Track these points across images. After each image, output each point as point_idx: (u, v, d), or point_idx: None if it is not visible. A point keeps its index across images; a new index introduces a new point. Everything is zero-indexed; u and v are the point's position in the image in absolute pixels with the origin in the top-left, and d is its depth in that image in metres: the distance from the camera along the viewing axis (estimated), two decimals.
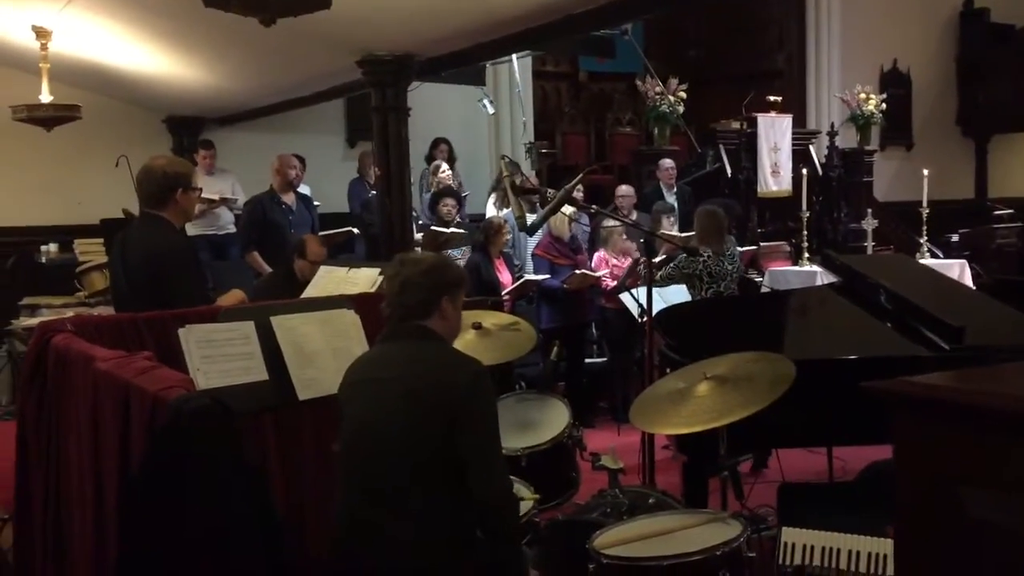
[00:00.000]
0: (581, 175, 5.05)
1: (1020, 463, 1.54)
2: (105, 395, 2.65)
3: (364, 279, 4.59)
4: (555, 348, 4.35)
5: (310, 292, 4.74)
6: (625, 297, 6.73)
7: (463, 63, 7.31)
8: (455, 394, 2.67)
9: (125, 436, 2.50)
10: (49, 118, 6.95)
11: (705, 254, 5.67)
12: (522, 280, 6.96)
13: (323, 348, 3.49)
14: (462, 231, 7.50)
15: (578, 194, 6.12)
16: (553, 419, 3.97)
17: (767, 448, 5.08)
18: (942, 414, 1.58)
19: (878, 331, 4.27)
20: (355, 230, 8.14)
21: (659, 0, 5.43)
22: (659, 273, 5.92)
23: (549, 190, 4.71)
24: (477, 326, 3.92)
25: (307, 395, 3.36)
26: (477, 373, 2.73)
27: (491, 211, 8.29)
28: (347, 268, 4.83)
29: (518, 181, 7.38)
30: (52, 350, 3.21)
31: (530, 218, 7.62)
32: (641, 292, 5.71)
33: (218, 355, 3.26)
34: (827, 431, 4.02)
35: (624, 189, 8.33)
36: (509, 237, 7.33)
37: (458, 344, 3.65)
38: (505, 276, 7.08)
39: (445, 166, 8.66)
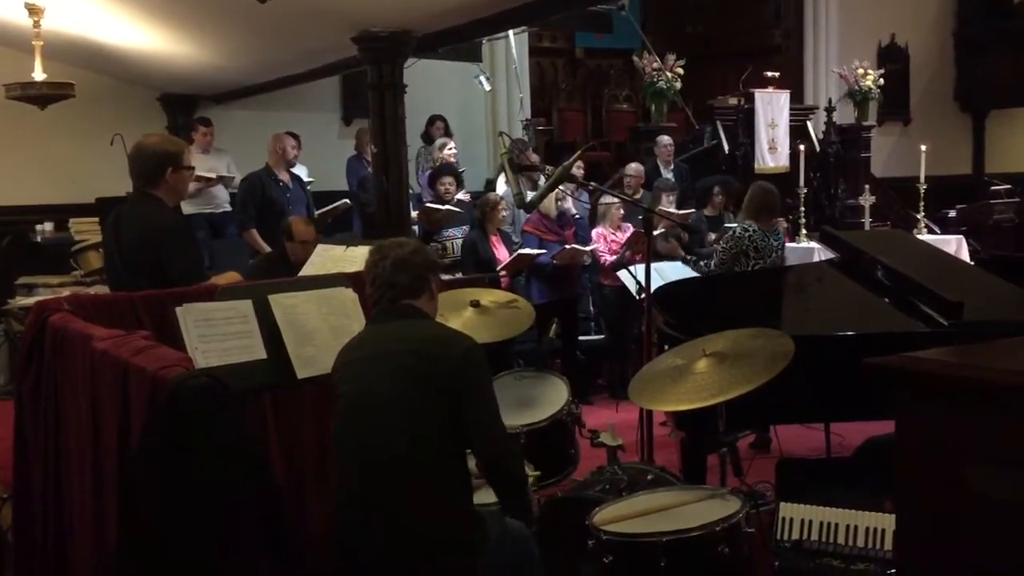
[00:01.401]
0: (579, 152, 5.02)
1: (1019, 436, 1.55)
2: (103, 374, 2.65)
3: (361, 257, 4.55)
4: (553, 325, 4.34)
5: (307, 270, 4.73)
6: (623, 274, 6.72)
7: (460, 39, 7.26)
8: (449, 366, 2.72)
9: (124, 415, 2.49)
10: (43, 96, 6.89)
11: (751, 228, 5.59)
12: (516, 255, 6.94)
13: (321, 326, 3.48)
14: (457, 210, 7.46)
15: (577, 171, 6.11)
16: (552, 396, 3.96)
17: (766, 424, 5.08)
18: (943, 389, 1.58)
19: (877, 307, 4.27)
20: (348, 202, 8.15)
21: None
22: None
23: (548, 167, 4.68)
24: (475, 304, 3.91)
25: (305, 373, 3.35)
26: (469, 346, 2.80)
27: (501, 188, 8.27)
28: (344, 246, 4.82)
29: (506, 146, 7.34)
30: (49, 330, 3.19)
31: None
32: (639, 269, 5.71)
33: (216, 334, 3.25)
34: (826, 407, 4.03)
35: (634, 167, 8.24)
36: (506, 214, 7.31)
37: (456, 322, 3.67)
38: (502, 253, 7.07)
39: (451, 144, 8.58)
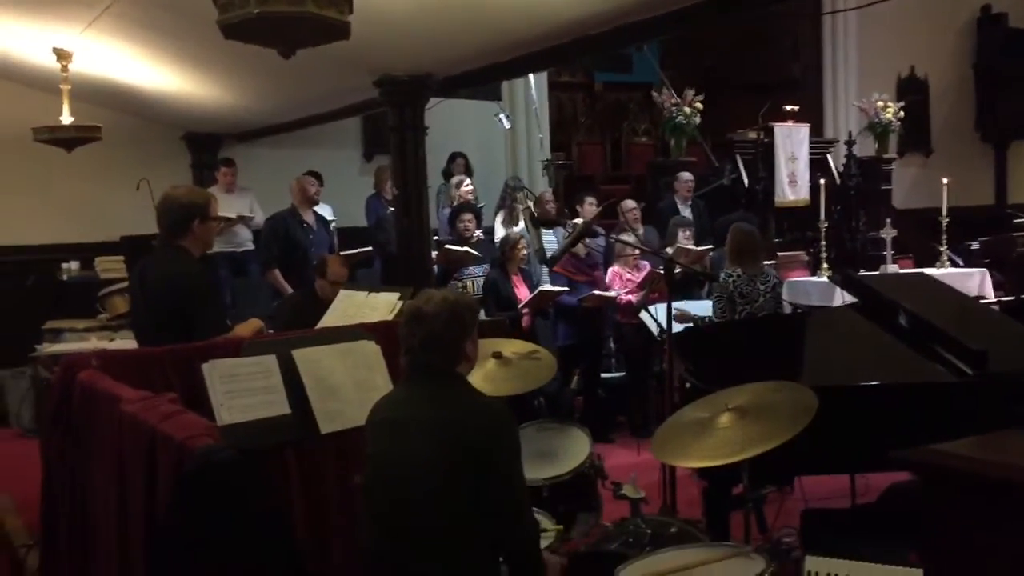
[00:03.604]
0: (600, 209, 5.06)
1: None
2: (131, 438, 2.68)
3: (383, 304, 4.59)
4: (575, 376, 4.35)
5: (329, 317, 4.75)
6: (644, 316, 6.71)
7: (480, 82, 7.32)
8: (480, 437, 2.69)
9: (151, 480, 2.52)
10: (70, 139, 7.00)
11: (734, 273, 5.55)
12: (538, 291, 6.95)
13: (345, 380, 3.49)
14: (475, 252, 7.46)
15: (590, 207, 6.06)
16: (573, 448, 3.96)
17: (790, 477, 5.02)
18: (968, 486, 1.56)
19: (900, 354, 4.21)
20: (372, 249, 8.21)
21: (675, 21, 5.37)
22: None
23: (570, 222, 4.71)
24: (497, 355, 3.91)
25: (329, 428, 3.36)
26: (501, 416, 2.77)
27: (499, 229, 8.29)
28: (367, 292, 4.83)
29: (528, 201, 7.40)
30: (77, 387, 3.23)
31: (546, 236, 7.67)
32: (660, 310, 5.69)
33: (241, 389, 3.27)
34: (851, 459, 3.99)
35: (629, 204, 8.24)
36: (526, 253, 7.34)
37: (478, 374, 3.66)
38: (523, 292, 7.09)
39: (468, 181, 8.62)
